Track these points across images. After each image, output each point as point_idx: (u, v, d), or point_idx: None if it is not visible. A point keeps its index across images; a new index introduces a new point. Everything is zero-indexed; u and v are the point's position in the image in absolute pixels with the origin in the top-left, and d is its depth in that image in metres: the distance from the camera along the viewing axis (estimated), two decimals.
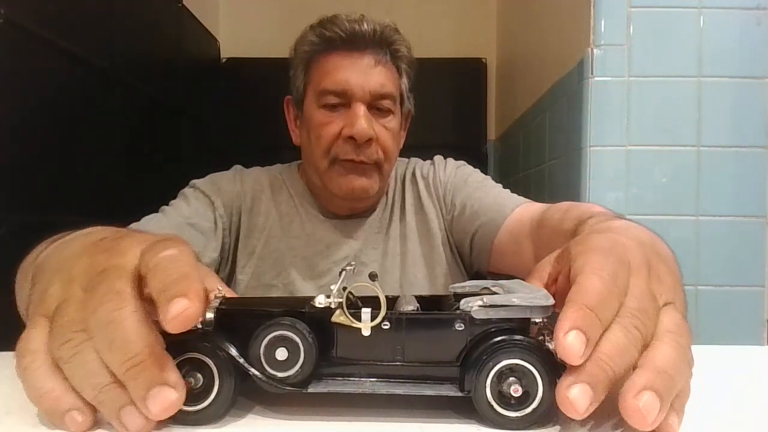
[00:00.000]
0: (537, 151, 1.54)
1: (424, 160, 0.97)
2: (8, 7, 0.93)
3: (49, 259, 0.38)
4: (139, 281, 0.32)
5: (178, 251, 0.33)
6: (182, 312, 0.29)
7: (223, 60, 2.29)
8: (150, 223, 0.77)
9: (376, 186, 0.83)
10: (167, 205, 0.84)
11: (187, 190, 0.87)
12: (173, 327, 0.30)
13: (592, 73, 1.08)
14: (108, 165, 1.32)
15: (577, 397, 0.30)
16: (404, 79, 0.86)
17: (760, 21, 1.07)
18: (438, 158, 0.96)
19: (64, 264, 0.35)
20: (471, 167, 0.94)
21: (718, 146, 1.07)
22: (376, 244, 0.88)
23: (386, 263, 0.87)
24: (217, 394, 0.32)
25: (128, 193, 1.36)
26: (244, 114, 2.23)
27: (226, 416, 0.33)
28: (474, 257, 0.87)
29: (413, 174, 0.94)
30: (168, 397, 0.29)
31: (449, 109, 2.27)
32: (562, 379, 0.30)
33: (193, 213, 0.82)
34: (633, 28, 1.08)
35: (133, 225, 0.75)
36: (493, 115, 2.34)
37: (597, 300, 0.31)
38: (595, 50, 1.08)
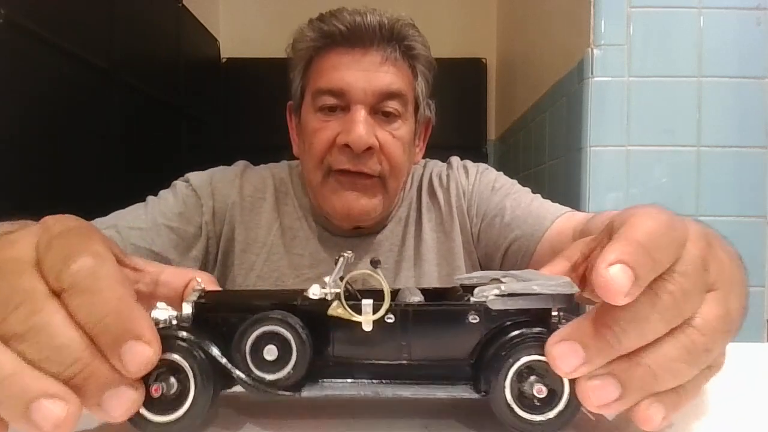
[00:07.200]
0: (537, 151, 1.54)
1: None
2: (8, 7, 0.93)
3: None
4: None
5: (94, 261, 0.26)
6: (144, 362, 0.25)
7: (223, 60, 2.29)
8: (130, 213, 0.71)
9: (379, 207, 0.71)
10: (156, 195, 0.76)
11: (179, 184, 0.77)
12: (133, 374, 0.25)
13: (592, 73, 1.08)
14: (107, 164, 1.32)
15: (562, 352, 0.25)
16: (420, 82, 0.75)
17: (759, 21, 1.06)
18: (455, 161, 0.84)
19: None
20: (494, 170, 0.83)
21: (718, 146, 1.07)
22: (388, 265, 0.78)
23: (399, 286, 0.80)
24: (192, 402, 0.27)
25: (127, 192, 1.35)
26: (244, 114, 2.24)
27: (205, 429, 0.29)
28: (505, 270, 0.80)
29: (430, 182, 0.82)
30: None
31: (449, 109, 2.25)
32: (554, 333, 0.26)
33: (176, 214, 0.73)
34: (633, 28, 1.07)
35: (116, 212, 0.71)
36: (493, 115, 2.34)
37: (650, 238, 0.25)
38: (595, 50, 1.08)
